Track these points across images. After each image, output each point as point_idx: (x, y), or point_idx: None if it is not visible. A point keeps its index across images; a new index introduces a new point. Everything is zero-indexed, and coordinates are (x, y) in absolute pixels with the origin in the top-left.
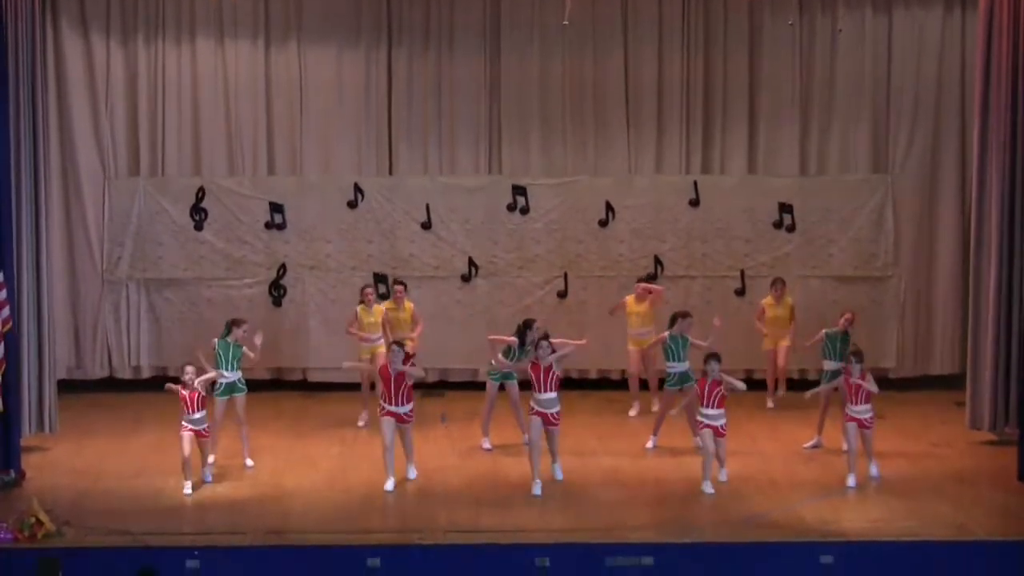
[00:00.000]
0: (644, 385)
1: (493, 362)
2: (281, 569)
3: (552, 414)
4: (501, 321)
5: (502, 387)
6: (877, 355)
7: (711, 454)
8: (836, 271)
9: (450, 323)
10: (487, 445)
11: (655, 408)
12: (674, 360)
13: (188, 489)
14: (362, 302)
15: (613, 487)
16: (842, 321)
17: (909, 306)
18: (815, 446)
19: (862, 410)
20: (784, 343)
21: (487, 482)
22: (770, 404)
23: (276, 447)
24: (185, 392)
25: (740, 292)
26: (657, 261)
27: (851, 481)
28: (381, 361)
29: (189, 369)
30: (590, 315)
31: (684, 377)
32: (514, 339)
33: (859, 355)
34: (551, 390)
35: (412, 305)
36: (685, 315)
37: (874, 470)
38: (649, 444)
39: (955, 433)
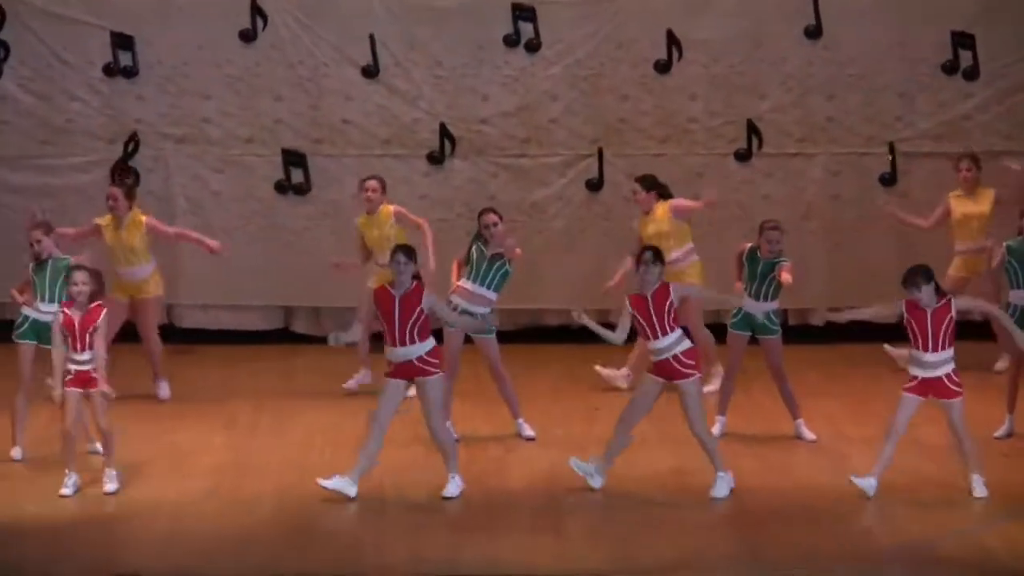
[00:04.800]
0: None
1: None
2: None
3: (675, 358)
4: None
5: (469, 339)
6: None
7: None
8: None
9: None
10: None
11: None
12: (752, 295)
13: (70, 488)
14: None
15: (674, 497)
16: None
17: None
18: (1008, 434)
19: None
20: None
21: (469, 491)
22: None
23: (122, 431)
24: (74, 314)
25: (888, 179)
26: (752, 129)
27: None
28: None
29: (80, 277)
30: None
31: (762, 325)
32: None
33: None
34: (670, 331)
35: (392, 209)
36: (773, 227)
37: None
38: (715, 428)
39: None
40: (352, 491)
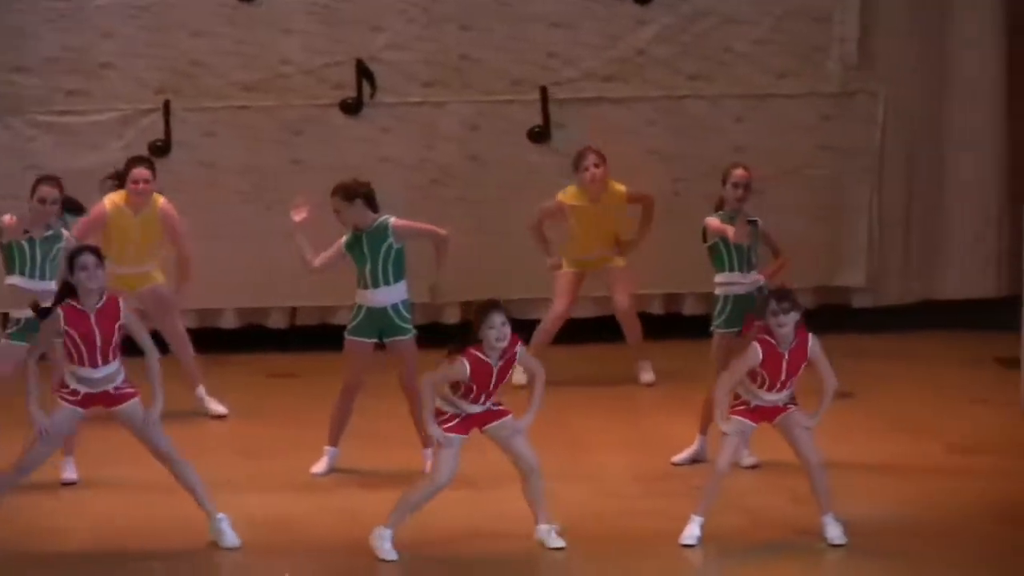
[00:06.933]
0: None
1: None
2: None
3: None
4: None
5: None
6: (829, 264)
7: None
8: (748, 86)
9: None
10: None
11: None
12: (370, 284)
13: None
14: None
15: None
16: (728, 186)
17: (896, 156)
18: (695, 459)
19: (776, 397)
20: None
21: None
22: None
23: None
24: None
25: (540, 134)
26: (363, 71)
27: (690, 534)
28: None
29: None
30: (217, 194)
31: (391, 324)
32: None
33: (788, 297)
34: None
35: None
36: (352, 191)
37: (832, 530)
38: (322, 463)
39: (997, 422)
40: None
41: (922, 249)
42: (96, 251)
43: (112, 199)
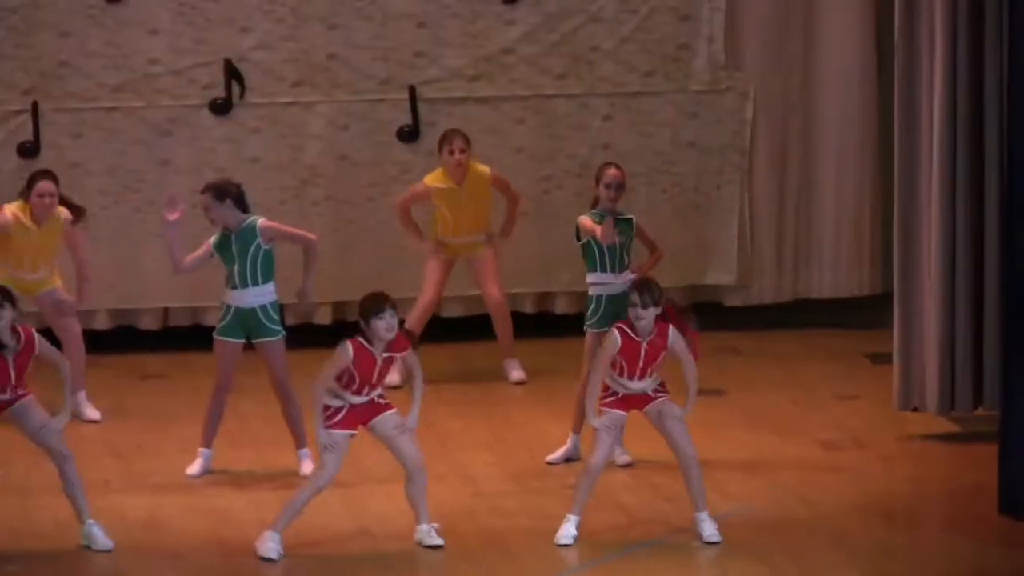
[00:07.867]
0: None
1: None
2: None
3: None
4: None
5: None
6: (699, 262)
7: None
8: (615, 84)
9: None
10: None
11: None
12: (237, 284)
13: None
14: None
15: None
16: (602, 186)
17: (766, 153)
18: (568, 458)
19: (640, 385)
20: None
21: None
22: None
23: None
24: None
25: (409, 134)
26: (232, 71)
27: (566, 533)
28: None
29: None
30: (86, 195)
31: (258, 325)
32: None
33: (649, 290)
34: None
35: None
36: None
37: (707, 527)
38: (196, 465)
39: (868, 419)
40: None
41: (794, 247)
42: None
43: (14, 211)
